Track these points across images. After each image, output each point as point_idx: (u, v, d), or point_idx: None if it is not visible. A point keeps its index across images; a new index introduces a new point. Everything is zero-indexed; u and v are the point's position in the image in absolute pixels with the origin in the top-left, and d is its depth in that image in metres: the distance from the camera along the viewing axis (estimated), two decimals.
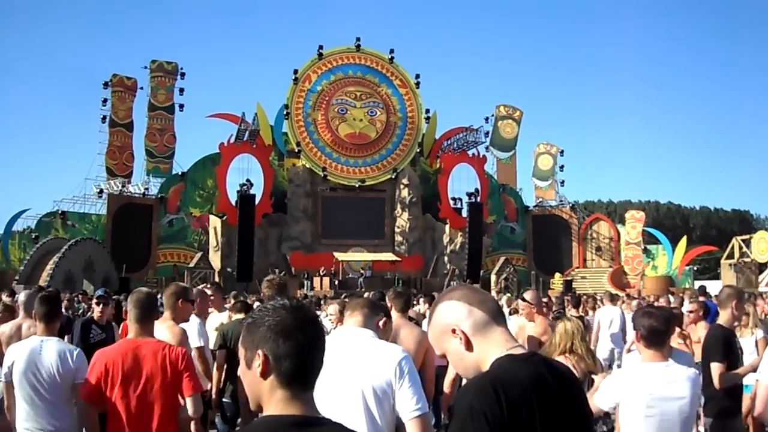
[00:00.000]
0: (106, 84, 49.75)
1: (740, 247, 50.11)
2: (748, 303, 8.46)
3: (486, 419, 2.29)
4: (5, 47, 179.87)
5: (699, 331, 9.34)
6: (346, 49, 52.53)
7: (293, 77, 50.83)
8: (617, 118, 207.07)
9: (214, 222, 47.38)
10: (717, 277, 53.84)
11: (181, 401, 5.13)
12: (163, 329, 6.01)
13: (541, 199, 58.05)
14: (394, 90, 52.51)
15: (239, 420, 8.20)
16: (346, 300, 7.25)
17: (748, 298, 10.47)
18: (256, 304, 11.57)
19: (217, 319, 9.61)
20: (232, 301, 12.35)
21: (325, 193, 50.46)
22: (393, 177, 51.21)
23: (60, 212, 45.92)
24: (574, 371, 6.22)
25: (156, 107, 51.09)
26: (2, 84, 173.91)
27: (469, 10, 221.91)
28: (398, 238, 50.81)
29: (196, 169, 50.28)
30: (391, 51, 53.03)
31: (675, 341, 6.79)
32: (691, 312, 9.64)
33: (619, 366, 13.14)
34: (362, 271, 45.53)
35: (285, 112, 50.29)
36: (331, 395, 3.90)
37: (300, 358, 2.24)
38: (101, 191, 47.07)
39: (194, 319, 7.69)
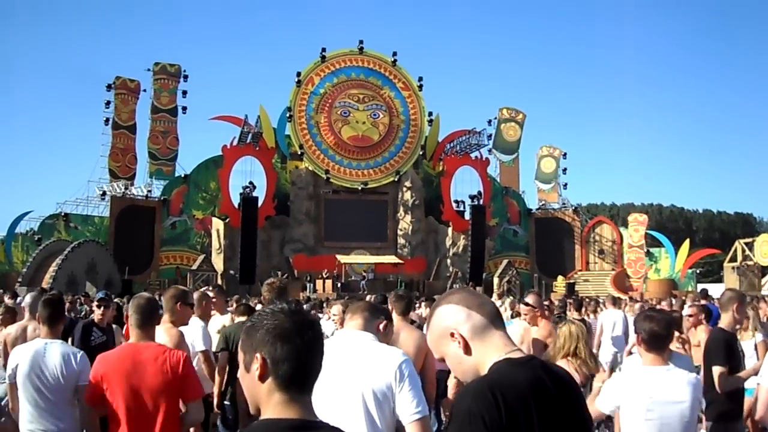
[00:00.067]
0: (109, 86, 49.93)
1: (743, 251, 50.08)
2: (749, 306, 8.43)
3: (484, 423, 2.29)
4: (9, 49, 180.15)
5: (699, 335, 9.34)
6: (349, 52, 52.59)
7: (296, 80, 50.92)
8: (620, 121, 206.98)
9: (217, 224, 47.43)
10: (720, 280, 53.79)
11: (182, 406, 5.14)
12: (161, 332, 6.03)
13: (543, 202, 58.02)
14: (396, 92, 52.54)
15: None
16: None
17: (750, 302, 10.44)
18: (259, 306, 11.59)
19: (219, 321, 9.62)
20: (235, 304, 12.37)
21: (327, 195, 50.46)
22: (396, 179, 51.25)
23: (63, 214, 46.01)
24: (576, 375, 6.26)
25: (159, 109, 51.20)
26: (6, 85, 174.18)
27: (472, 13, 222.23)
28: (401, 240, 50.80)
29: (199, 171, 50.34)
30: (394, 54, 53.12)
31: (674, 345, 6.77)
32: (690, 316, 9.63)
33: (621, 370, 13.12)
34: (364, 274, 45.52)
35: (288, 115, 50.38)
36: (331, 398, 3.90)
37: (298, 362, 2.25)
38: (104, 193, 47.24)
39: (198, 323, 7.71)
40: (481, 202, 48.90)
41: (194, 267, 43.10)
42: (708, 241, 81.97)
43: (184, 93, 52.09)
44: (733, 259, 50.56)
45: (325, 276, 44.14)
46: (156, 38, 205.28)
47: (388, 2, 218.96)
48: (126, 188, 47.98)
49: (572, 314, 13.08)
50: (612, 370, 13.31)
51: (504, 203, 55.71)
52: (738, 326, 7.38)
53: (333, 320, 8.93)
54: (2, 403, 6.39)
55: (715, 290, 24.03)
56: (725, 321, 6.74)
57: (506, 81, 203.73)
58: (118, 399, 4.92)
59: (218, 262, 45.38)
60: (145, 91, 51.46)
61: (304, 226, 49.23)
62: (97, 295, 10.13)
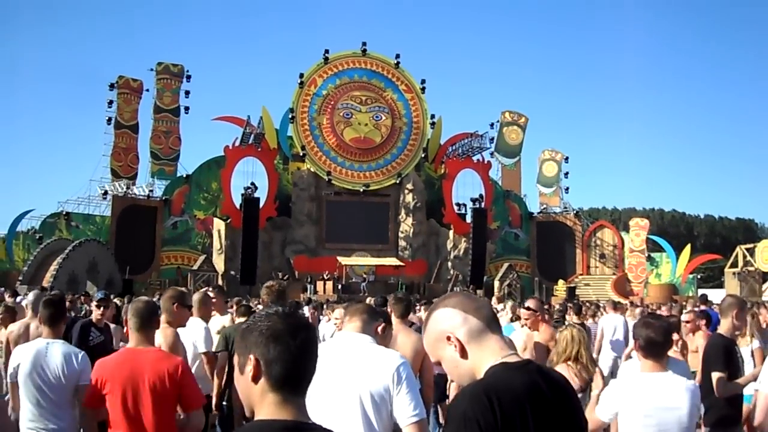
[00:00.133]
0: (111, 86, 49.93)
1: (744, 256, 50.04)
2: (748, 312, 8.42)
3: (479, 427, 2.30)
4: (11, 49, 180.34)
5: (696, 341, 9.32)
6: (351, 54, 52.55)
7: (299, 81, 50.89)
8: (622, 126, 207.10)
9: (218, 225, 47.42)
10: (721, 285, 53.81)
11: (179, 412, 5.14)
12: (157, 332, 6.04)
13: (545, 206, 58.01)
14: (399, 95, 52.51)
15: None
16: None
17: (750, 308, 10.43)
18: (259, 307, 11.60)
19: (219, 322, 9.62)
20: (235, 305, 12.36)
21: (329, 197, 50.43)
22: (397, 182, 51.16)
23: (64, 213, 46.06)
24: (576, 379, 6.26)
25: (161, 109, 51.23)
26: (8, 85, 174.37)
27: (475, 16, 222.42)
28: (402, 243, 50.75)
29: (200, 171, 50.35)
30: (397, 56, 53.08)
31: (671, 350, 6.77)
32: (687, 322, 9.62)
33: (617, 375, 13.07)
34: (365, 276, 45.50)
35: (290, 116, 50.35)
36: (329, 400, 3.91)
37: (290, 363, 2.27)
38: (106, 193, 47.27)
39: (201, 324, 7.72)
40: (483, 205, 48.94)
41: (195, 267, 43.13)
42: (709, 247, 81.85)
43: (187, 93, 52.18)
44: (734, 264, 50.50)
45: (326, 278, 44.12)
46: (159, 38, 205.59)
47: (391, 4, 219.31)
48: (128, 188, 48.02)
49: (571, 318, 13.06)
50: (612, 374, 13.30)
51: (505, 206, 55.67)
52: (738, 332, 7.38)
53: (335, 323, 8.93)
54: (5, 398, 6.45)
55: (716, 296, 24.01)
56: (724, 327, 6.74)
57: (509, 84, 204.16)
58: (117, 404, 4.93)
59: (219, 262, 45.38)
60: (147, 90, 51.54)
61: (305, 228, 49.21)
62: (97, 295, 10.15)
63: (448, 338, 2.59)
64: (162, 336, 6.20)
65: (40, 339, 6.04)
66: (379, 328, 4.72)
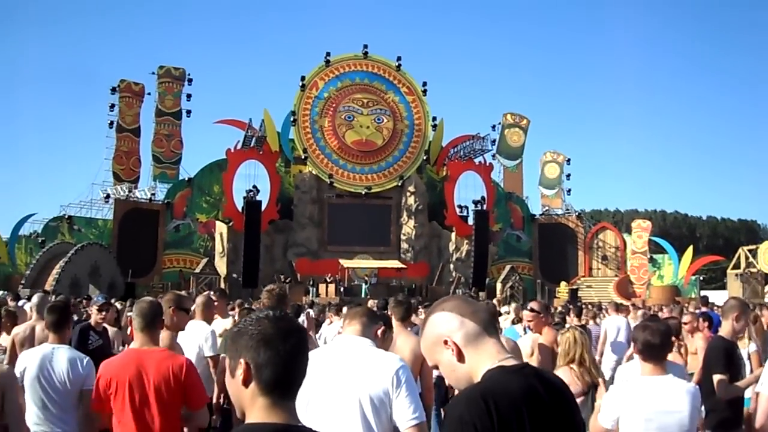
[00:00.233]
0: (113, 89, 49.91)
1: (746, 258, 49.97)
2: (750, 314, 8.40)
3: (476, 430, 2.30)
4: (13, 52, 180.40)
5: (696, 342, 9.31)
6: (353, 56, 52.58)
7: (300, 84, 50.93)
8: (624, 127, 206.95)
9: (221, 228, 47.47)
10: (723, 287, 53.73)
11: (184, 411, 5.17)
12: None
13: (547, 208, 57.96)
14: (401, 97, 52.51)
15: None
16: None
17: (753, 309, 10.41)
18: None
19: (220, 325, 9.62)
20: (237, 308, 12.37)
21: (331, 200, 50.44)
22: (399, 184, 51.15)
23: (67, 217, 46.05)
24: (579, 382, 6.25)
25: (163, 113, 51.22)
26: (10, 88, 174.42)
27: (476, 19, 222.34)
28: (404, 245, 50.73)
29: (202, 174, 50.37)
30: (399, 58, 53.11)
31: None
32: (685, 323, 9.60)
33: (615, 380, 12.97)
34: (367, 278, 45.49)
35: (292, 119, 50.36)
36: (328, 404, 3.92)
37: (280, 367, 2.28)
38: (108, 196, 47.27)
39: (207, 328, 7.73)
40: (485, 207, 48.97)
41: (197, 270, 43.11)
42: (711, 248, 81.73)
43: (189, 96, 52.16)
44: (737, 266, 50.44)
45: (328, 280, 44.12)
46: (161, 42, 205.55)
47: (392, 7, 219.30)
48: (130, 191, 48.04)
49: (572, 321, 13.02)
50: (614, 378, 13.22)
51: (507, 209, 55.65)
52: (740, 335, 7.37)
53: (339, 331, 8.94)
54: None
55: (719, 297, 24.02)
56: (725, 329, 6.72)
57: (510, 86, 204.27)
58: (123, 405, 4.96)
59: (221, 265, 45.42)
60: (149, 94, 51.50)
61: (307, 230, 49.23)
62: (97, 299, 10.16)
63: (445, 342, 2.59)
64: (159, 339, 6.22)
65: (46, 344, 6.11)
66: (379, 332, 4.73)
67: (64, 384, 5.76)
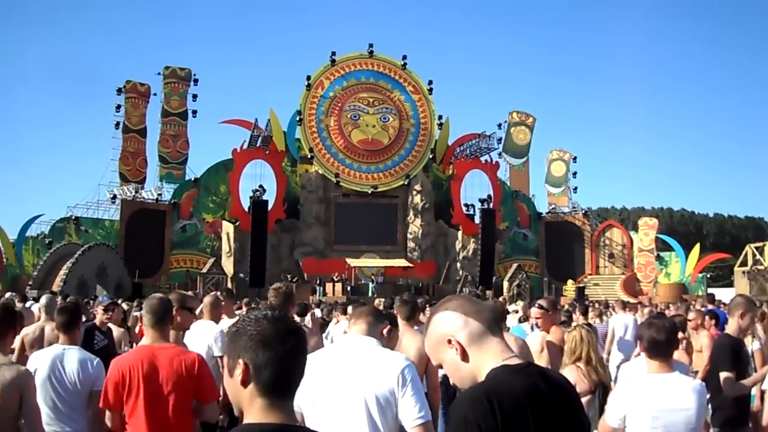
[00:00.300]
0: (119, 90, 49.99)
1: (754, 255, 49.77)
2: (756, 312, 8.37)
3: (480, 430, 2.31)
4: (18, 53, 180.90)
5: (701, 340, 9.29)
6: (358, 56, 52.64)
7: (306, 83, 51.00)
8: (630, 125, 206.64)
9: (227, 228, 47.54)
10: (730, 284, 53.58)
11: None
12: None
13: (553, 206, 57.85)
14: (406, 96, 52.54)
15: None
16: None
17: (759, 307, 10.39)
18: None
19: (228, 324, 9.63)
20: (244, 307, 12.39)
21: (337, 199, 50.47)
22: (405, 183, 51.21)
23: (73, 218, 46.07)
24: (585, 381, 6.24)
25: (169, 113, 51.28)
26: (16, 89, 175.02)
27: (481, 18, 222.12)
28: (411, 244, 50.75)
29: (209, 175, 50.41)
30: (404, 57, 53.14)
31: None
32: (689, 320, 9.58)
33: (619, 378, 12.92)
34: (373, 277, 45.49)
35: (298, 118, 50.44)
36: (334, 403, 3.92)
37: (279, 368, 2.30)
38: (114, 197, 47.30)
39: (216, 327, 7.75)
40: (491, 205, 48.89)
41: (204, 270, 43.23)
42: (718, 246, 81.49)
43: (195, 97, 52.19)
44: (744, 263, 50.25)
45: (335, 279, 44.15)
46: (166, 42, 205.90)
47: (397, 6, 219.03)
48: (136, 192, 48.11)
49: (578, 319, 12.97)
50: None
51: (514, 207, 55.59)
52: (749, 332, 7.35)
53: (346, 330, 8.93)
54: None
55: (726, 295, 23.96)
56: (731, 326, 6.71)
57: (516, 85, 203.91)
58: (136, 400, 4.99)
59: (228, 265, 45.49)
60: (155, 94, 51.54)
61: (313, 230, 49.27)
62: (103, 300, 10.19)
63: (449, 341, 2.60)
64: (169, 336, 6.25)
65: (57, 345, 6.17)
66: (385, 331, 4.73)
67: (75, 384, 5.81)
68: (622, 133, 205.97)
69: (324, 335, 11.69)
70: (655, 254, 53.50)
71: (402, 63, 52.98)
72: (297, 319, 10.47)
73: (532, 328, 10.08)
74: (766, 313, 11.58)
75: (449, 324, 2.63)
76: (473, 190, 51.13)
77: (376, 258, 48.50)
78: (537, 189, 58.81)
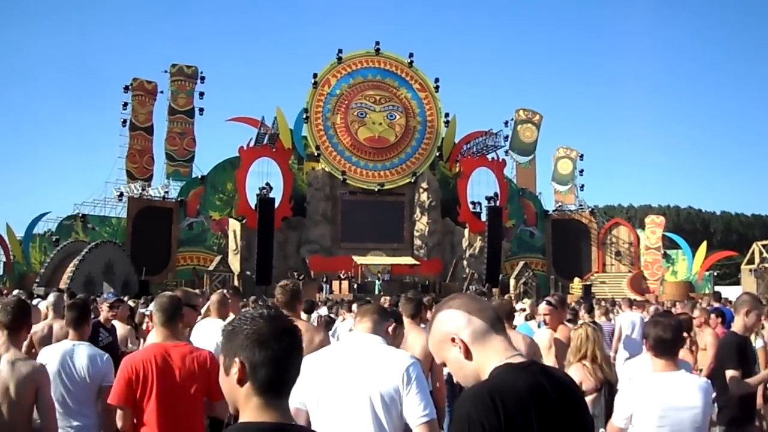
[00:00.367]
0: (126, 88, 50.13)
1: (761, 253, 49.62)
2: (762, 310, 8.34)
3: (483, 428, 2.32)
4: (25, 51, 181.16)
5: (705, 338, 9.27)
6: (365, 53, 52.61)
7: (313, 81, 50.99)
8: (637, 122, 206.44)
9: (234, 225, 47.54)
10: (737, 282, 53.44)
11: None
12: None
13: (560, 204, 57.83)
14: (413, 94, 52.51)
15: None
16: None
17: (766, 305, 10.35)
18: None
19: None
20: (251, 305, 12.39)
21: (344, 196, 50.46)
22: (412, 181, 51.20)
23: (80, 215, 46.16)
24: (591, 379, 6.23)
25: (176, 111, 51.34)
26: (24, 88, 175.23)
27: (488, 16, 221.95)
28: (417, 242, 50.74)
29: (215, 172, 50.43)
30: (411, 55, 53.09)
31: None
32: (694, 318, 9.56)
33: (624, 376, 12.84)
34: (380, 275, 45.51)
35: (304, 116, 50.44)
36: (339, 401, 3.92)
37: (275, 367, 2.31)
38: (121, 194, 47.38)
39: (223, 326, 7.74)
40: (498, 203, 48.77)
41: (211, 268, 43.16)
42: (725, 243, 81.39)
43: (201, 94, 52.25)
44: (751, 261, 50.10)
45: (342, 277, 44.17)
46: (173, 40, 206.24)
47: (404, 4, 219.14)
48: (143, 189, 48.17)
49: (583, 317, 12.94)
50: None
51: (520, 205, 55.55)
52: (755, 329, 7.33)
53: (351, 328, 8.93)
54: None
55: (733, 293, 23.90)
56: (737, 324, 6.68)
57: (523, 82, 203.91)
58: (150, 399, 5.02)
59: (235, 262, 45.51)
60: (162, 92, 51.66)
61: (320, 227, 49.28)
62: (108, 297, 10.22)
63: (453, 340, 2.61)
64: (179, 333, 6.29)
65: (67, 341, 6.23)
66: (390, 329, 4.73)
67: (84, 379, 5.87)
68: (629, 130, 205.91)
69: (330, 333, 11.70)
70: (662, 252, 53.43)
71: (409, 61, 52.95)
72: (304, 316, 10.48)
73: (539, 326, 10.06)
74: None
75: (452, 322, 2.64)
76: (480, 187, 51.08)
77: (383, 256, 48.52)
78: (544, 187, 58.84)
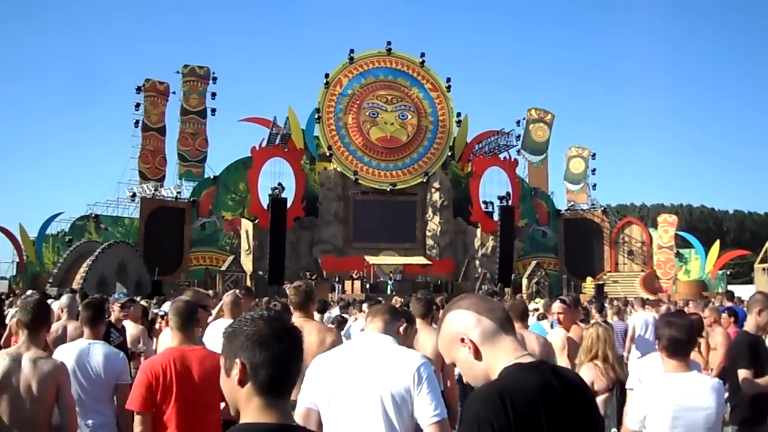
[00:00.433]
0: (139, 89, 50.33)
1: None
2: None
3: (492, 428, 2.32)
4: (39, 52, 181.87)
5: (716, 338, 9.24)
6: (377, 53, 52.67)
7: (324, 81, 51.07)
8: (649, 121, 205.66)
9: (246, 225, 47.65)
10: (750, 281, 53.27)
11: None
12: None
13: (572, 203, 57.72)
14: (425, 93, 52.53)
15: None
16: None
17: None
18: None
19: None
20: (263, 305, 12.42)
21: (356, 196, 50.50)
22: (424, 180, 51.24)
23: (93, 216, 46.34)
24: (603, 379, 6.22)
25: (188, 111, 51.51)
26: (36, 88, 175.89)
27: (500, 15, 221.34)
28: (429, 241, 50.75)
29: (228, 172, 50.54)
30: (422, 54, 53.14)
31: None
32: (704, 318, 9.52)
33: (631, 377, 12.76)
34: (392, 275, 45.52)
35: (316, 116, 50.54)
36: (350, 401, 3.93)
37: (275, 368, 2.32)
38: (134, 195, 47.59)
39: None
40: (510, 203, 48.70)
41: (223, 268, 43.34)
42: (738, 242, 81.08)
43: (213, 95, 52.44)
44: (764, 260, 49.90)
45: (354, 277, 44.22)
46: (185, 41, 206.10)
47: (415, 3, 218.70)
48: (156, 190, 48.34)
49: (594, 316, 12.89)
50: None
51: (533, 204, 55.50)
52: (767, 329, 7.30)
53: (363, 328, 8.95)
54: None
55: (746, 292, 23.82)
56: (749, 323, 6.66)
57: (535, 81, 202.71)
58: (170, 403, 5.06)
59: (247, 263, 45.58)
60: (174, 93, 51.88)
61: (332, 227, 49.35)
62: (119, 297, 10.27)
63: (462, 340, 2.62)
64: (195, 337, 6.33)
65: (82, 339, 6.27)
66: (401, 329, 4.74)
67: (100, 377, 5.94)
68: (641, 129, 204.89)
69: (343, 333, 11.72)
70: (675, 251, 53.33)
71: (420, 60, 52.99)
72: (317, 316, 10.50)
73: (552, 326, 10.04)
74: None
75: (462, 322, 2.65)
76: (492, 187, 51.05)
77: (395, 255, 48.56)
78: (556, 186, 58.89)
